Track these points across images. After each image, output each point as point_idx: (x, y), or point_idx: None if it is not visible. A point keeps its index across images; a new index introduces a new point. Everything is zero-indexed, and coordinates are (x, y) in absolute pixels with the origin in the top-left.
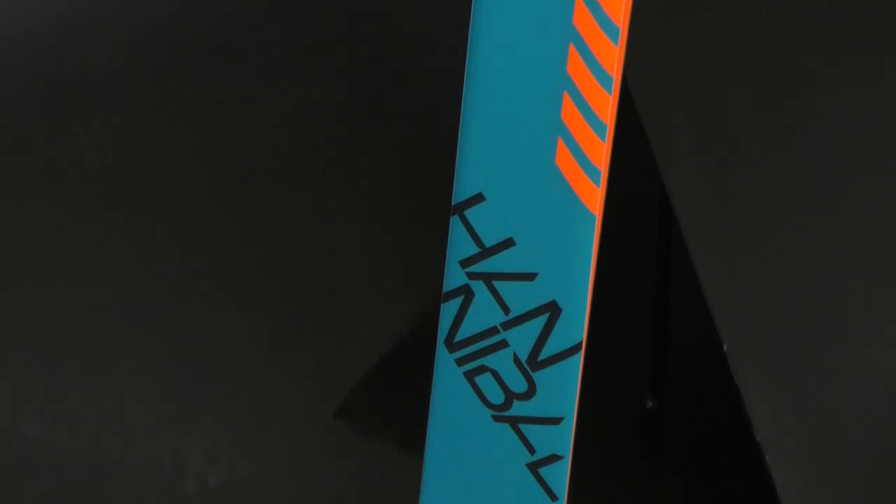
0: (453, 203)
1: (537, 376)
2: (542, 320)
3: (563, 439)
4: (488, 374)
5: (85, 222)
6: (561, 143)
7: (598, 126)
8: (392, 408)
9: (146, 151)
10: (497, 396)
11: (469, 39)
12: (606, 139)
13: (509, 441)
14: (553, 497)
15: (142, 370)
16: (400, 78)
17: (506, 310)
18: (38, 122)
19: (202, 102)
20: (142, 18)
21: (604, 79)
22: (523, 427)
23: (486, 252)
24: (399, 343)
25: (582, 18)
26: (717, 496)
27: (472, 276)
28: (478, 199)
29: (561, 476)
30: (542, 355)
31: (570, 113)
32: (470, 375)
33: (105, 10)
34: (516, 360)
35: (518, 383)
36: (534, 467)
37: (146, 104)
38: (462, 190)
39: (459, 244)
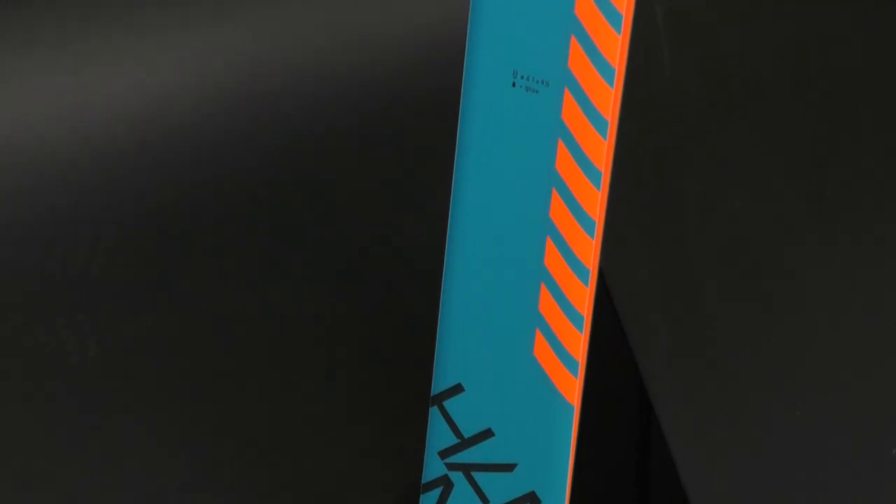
0: (432, 394)
1: None
2: None
3: None
4: None
5: (66, 416)
6: (539, 334)
7: (575, 318)
8: None
9: (130, 344)
10: None
11: (448, 231)
12: (584, 330)
13: None
14: None
15: None
16: (376, 273)
17: (485, 501)
18: (16, 313)
19: (186, 296)
20: (125, 210)
21: (581, 271)
22: None
23: (466, 443)
24: None
25: (564, 167)
26: None
27: (451, 466)
28: (457, 389)
29: None
30: None
31: (547, 304)
32: None
33: (88, 201)
34: None
35: None
36: None
37: (129, 295)
38: (441, 381)
39: (438, 435)
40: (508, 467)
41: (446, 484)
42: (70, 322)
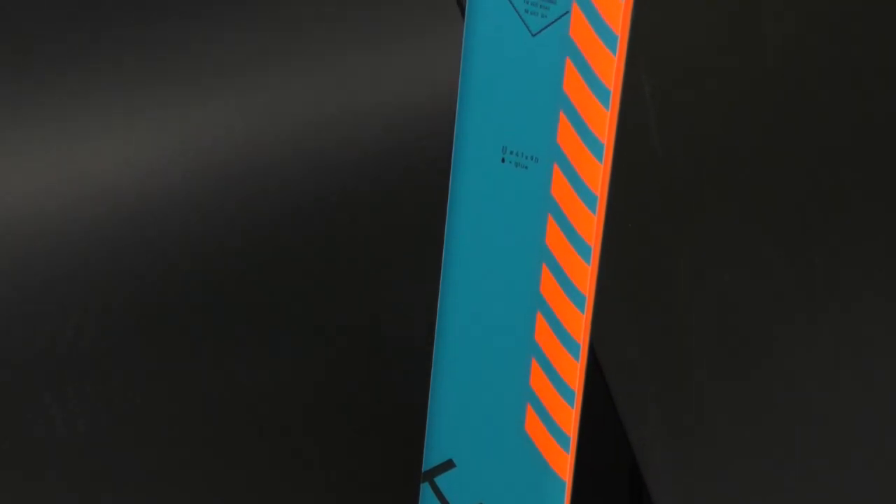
0: (423, 470)
1: None
2: None
3: None
4: None
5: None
6: (530, 409)
7: (566, 393)
8: None
9: (119, 421)
10: None
11: (439, 305)
12: (575, 404)
13: None
14: None
15: None
16: (366, 350)
17: None
18: (3, 389)
19: (176, 371)
20: (114, 285)
21: (571, 346)
22: None
23: None
24: None
25: (554, 242)
26: None
27: None
28: (448, 465)
29: None
30: None
31: (538, 379)
32: None
33: (77, 275)
34: None
35: None
36: None
37: (118, 372)
38: (432, 457)
39: None
40: None
41: None
42: (58, 397)
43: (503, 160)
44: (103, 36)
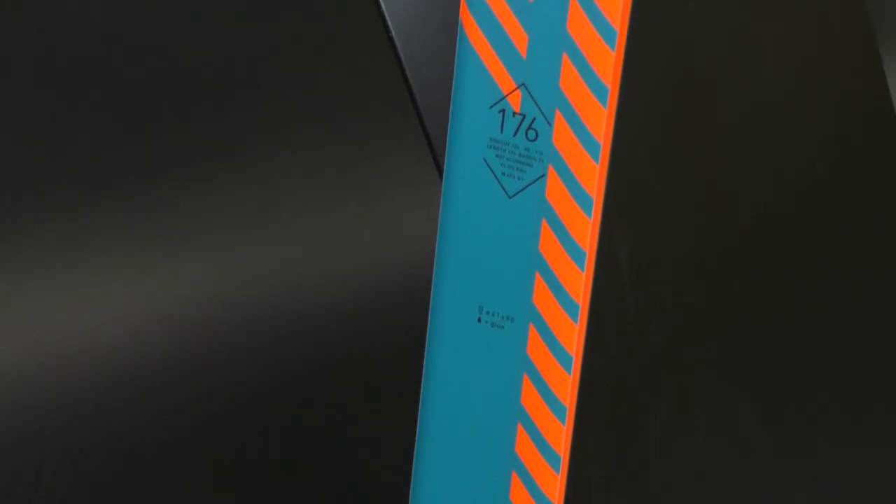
0: None
1: None
2: None
3: None
4: None
5: None
6: None
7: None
8: None
9: None
10: None
11: (413, 468)
12: None
13: None
14: None
15: None
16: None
17: None
18: None
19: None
20: (84, 447)
21: (551, 458)
22: None
23: None
24: None
25: (529, 402)
26: None
27: None
28: None
29: None
30: None
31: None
32: None
33: (47, 437)
34: None
35: None
36: None
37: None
38: None
39: None
40: None
41: None
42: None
43: (479, 320)
44: (82, 205)
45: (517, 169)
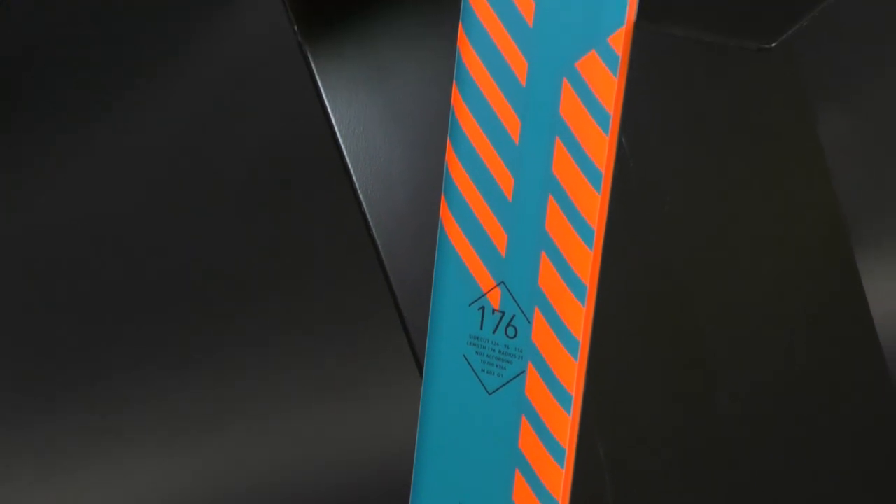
0: None
1: None
2: None
3: None
4: None
5: None
6: None
7: None
8: None
9: None
10: None
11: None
12: None
13: None
14: None
15: None
16: None
17: None
18: None
19: None
20: None
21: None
22: None
23: None
24: None
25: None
26: None
27: None
28: None
29: None
30: None
31: None
32: None
33: None
34: None
35: None
36: None
37: None
38: None
39: None
40: None
41: None
42: None
43: None
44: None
45: (497, 366)
